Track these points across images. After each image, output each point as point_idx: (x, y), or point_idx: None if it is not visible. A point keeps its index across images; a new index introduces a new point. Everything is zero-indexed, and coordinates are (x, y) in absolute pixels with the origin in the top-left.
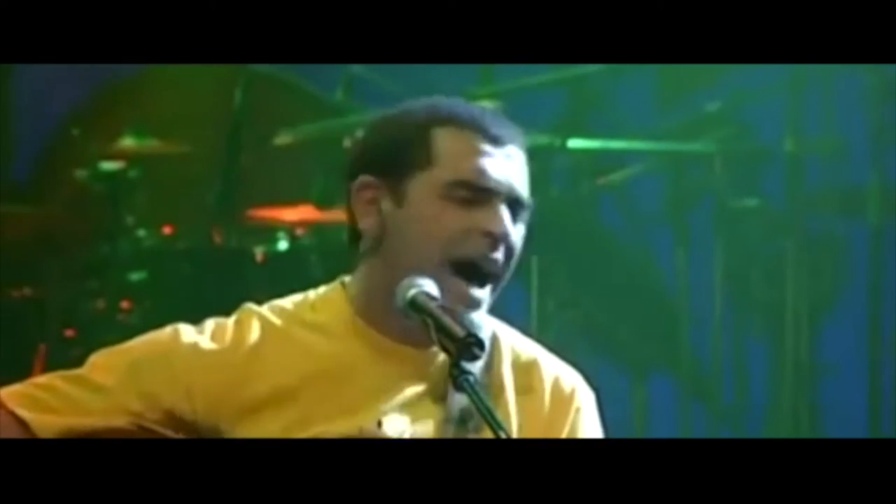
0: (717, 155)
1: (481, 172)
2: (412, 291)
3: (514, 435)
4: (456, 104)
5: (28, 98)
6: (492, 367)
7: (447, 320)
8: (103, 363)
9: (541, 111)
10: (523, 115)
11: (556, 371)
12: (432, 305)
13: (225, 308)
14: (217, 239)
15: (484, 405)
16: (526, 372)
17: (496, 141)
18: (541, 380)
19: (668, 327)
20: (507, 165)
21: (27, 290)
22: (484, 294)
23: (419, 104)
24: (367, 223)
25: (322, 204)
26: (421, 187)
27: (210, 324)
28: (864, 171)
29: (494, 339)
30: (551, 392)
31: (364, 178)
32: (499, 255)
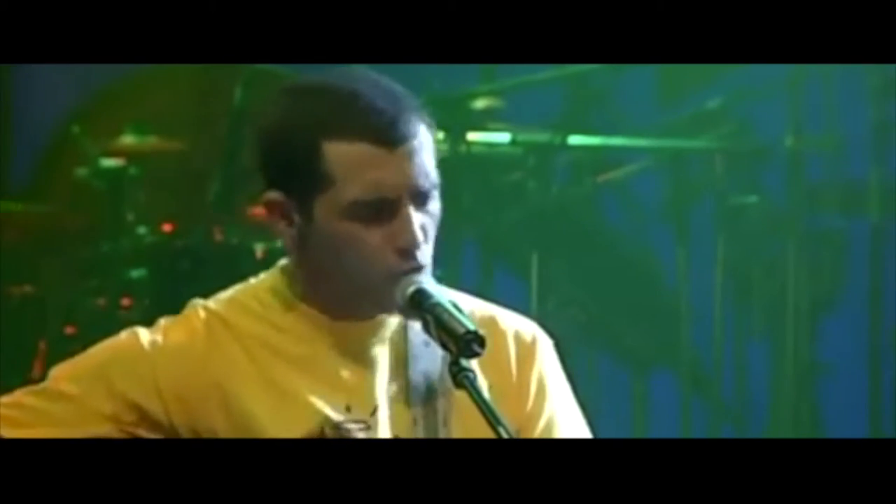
0: (718, 152)
1: (378, 187)
2: (411, 289)
3: (486, 392)
4: (343, 102)
5: (28, 96)
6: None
7: (447, 317)
8: (66, 373)
9: (541, 108)
10: (524, 112)
11: (516, 324)
12: (431, 303)
13: None
14: (217, 236)
15: (485, 402)
16: (488, 330)
17: (389, 144)
18: (502, 334)
19: (669, 324)
20: (405, 167)
21: (27, 288)
22: (419, 276)
23: (305, 103)
24: (283, 237)
25: None
26: (324, 208)
27: (162, 322)
28: (864, 167)
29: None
30: (514, 344)
31: (271, 195)
32: (415, 259)
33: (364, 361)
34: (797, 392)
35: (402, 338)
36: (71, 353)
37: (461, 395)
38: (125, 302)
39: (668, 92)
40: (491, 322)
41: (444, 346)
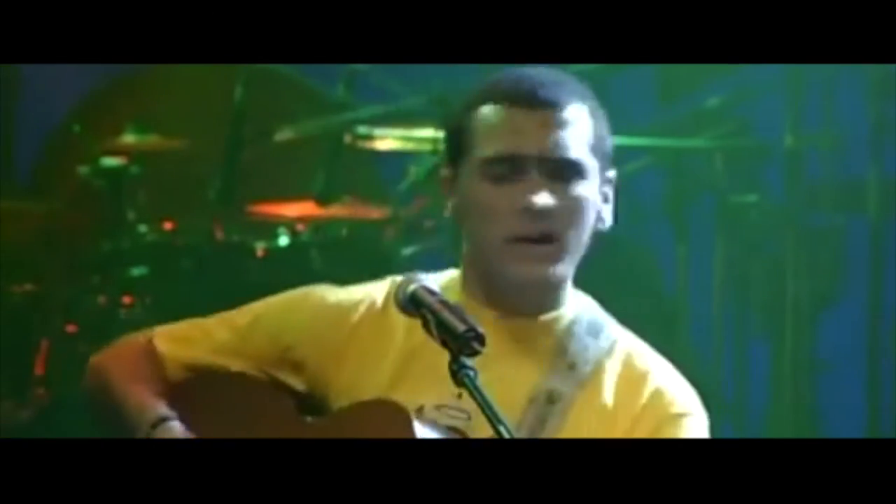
0: (718, 150)
1: (508, 145)
2: (412, 287)
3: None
4: (506, 77)
5: (29, 96)
6: (596, 370)
7: (447, 315)
8: (247, 308)
9: None
10: None
11: (664, 384)
12: (432, 300)
13: (226, 303)
14: (218, 234)
15: (484, 401)
16: (631, 387)
17: (529, 108)
18: (640, 394)
19: (668, 321)
20: (540, 131)
21: (29, 286)
22: (547, 251)
23: (481, 84)
24: (448, 208)
25: (322, 199)
26: (467, 170)
27: (350, 291)
28: (863, 165)
29: (610, 343)
30: (648, 401)
31: (443, 170)
32: (543, 223)
33: (499, 361)
34: (796, 388)
35: (547, 346)
36: (72, 352)
37: (577, 422)
38: (126, 300)
39: (667, 91)
40: (641, 380)
41: (444, 343)
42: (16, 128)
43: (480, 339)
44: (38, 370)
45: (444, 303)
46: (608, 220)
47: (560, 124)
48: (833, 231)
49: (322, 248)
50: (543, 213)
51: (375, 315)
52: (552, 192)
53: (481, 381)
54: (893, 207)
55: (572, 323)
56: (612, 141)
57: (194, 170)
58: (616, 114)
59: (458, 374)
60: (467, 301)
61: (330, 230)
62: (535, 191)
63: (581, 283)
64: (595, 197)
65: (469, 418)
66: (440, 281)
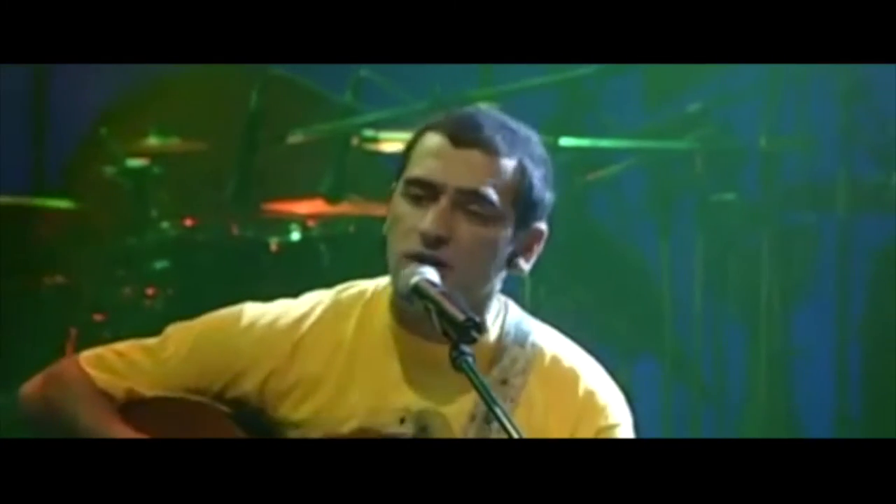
0: (698, 153)
1: (427, 170)
2: (415, 279)
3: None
4: (462, 113)
5: (58, 103)
6: (527, 378)
7: (448, 305)
8: (173, 337)
9: (536, 112)
10: (520, 115)
11: (594, 387)
12: (434, 291)
13: (242, 294)
14: (234, 230)
15: (481, 383)
16: (564, 392)
17: (457, 142)
18: (574, 393)
19: (653, 312)
20: (463, 166)
21: (60, 278)
22: (430, 271)
23: (443, 113)
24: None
25: (331, 198)
26: (398, 186)
27: (276, 308)
28: (833, 167)
29: (536, 349)
30: (582, 407)
31: (392, 183)
32: (433, 250)
33: (431, 382)
34: (771, 374)
35: (489, 366)
36: (100, 339)
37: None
38: (150, 291)
39: (652, 97)
40: (570, 379)
41: (444, 332)
42: (50, 133)
43: (479, 328)
44: (68, 355)
45: (445, 294)
46: (526, 269)
47: (483, 165)
48: (805, 228)
49: (331, 242)
50: (439, 238)
51: (320, 328)
52: (455, 222)
53: (420, 407)
54: (862, 206)
55: (498, 339)
56: (546, 196)
57: (212, 170)
58: (605, 118)
59: (458, 360)
60: (390, 321)
61: (338, 226)
62: (436, 217)
63: (572, 275)
64: (505, 241)
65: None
66: (377, 286)
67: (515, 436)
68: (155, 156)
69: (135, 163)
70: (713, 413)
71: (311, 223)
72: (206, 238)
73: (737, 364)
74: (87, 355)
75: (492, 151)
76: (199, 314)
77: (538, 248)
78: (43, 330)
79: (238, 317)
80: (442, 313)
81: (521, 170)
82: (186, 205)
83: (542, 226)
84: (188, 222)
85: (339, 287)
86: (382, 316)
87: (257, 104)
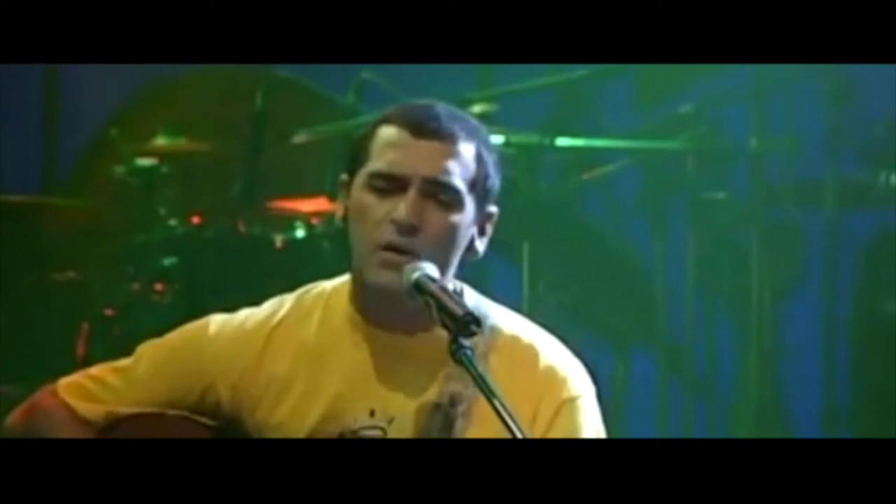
0: (690, 152)
1: (392, 163)
2: (416, 274)
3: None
4: (413, 105)
5: (69, 104)
6: (487, 360)
7: (447, 300)
8: (144, 355)
9: (532, 112)
10: (517, 115)
11: (553, 362)
12: (434, 287)
13: (247, 290)
14: (241, 228)
15: (479, 376)
16: (525, 370)
17: (418, 134)
18: (534, 370)
19: (647, 307)
20: (426, 157)
21: (71, 274)
22: (429, 266)
23: (393, 107)
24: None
25: (335, 196)
26: (358, 180)
27: (241, 315)
28: (820, 166)
29: (496, 331)
30: (543, 383)
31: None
32: (407, 238)
33: (395, 372)
34: (760, 368)
35: (436, 358)
36: (110, 334)
37: (481, 419)
38: (158, 287)
39: (645, 98)
40: (530, 357)
41: (444, 326)
42: (62, 133)
43: (477, 322)
44: (80, 350)
45: (444, 289)
46: (481, 251)
47: (445, 155)
48: (793, 226)
49: (334, 239)
50: (413, 227)
51: (284, 329)
52: (425, 211)
53: (388, 397)
54: (848, 205)
55: None
56: (497, 181)
57: (219, 170)
58: (600, 119)
59: (457, 354)
60: (353, 315)
61: (341, 223)
62: (409, 206)
63: (568, 271)
64: (467, 226)
65: (385, 433)
66: (336, 284)
67: (513, 427)
68: (163, 155)
69: (144, 162)
70: (705, 407)
71: (314, 221)
72: (212, 235)
73: (728, 356)
74: (64, 384)
75: (452, 141)
76: (206, 308)
77: (490, 230)
78: (55, 324)
79: (205, 327)
80: (442, 308)
81: (479, 157)
82: (194, 203)
83: (494, 208)
84: (195, 220)
85: (301, 290)
86: (344, 311)
87: (262, 106)
